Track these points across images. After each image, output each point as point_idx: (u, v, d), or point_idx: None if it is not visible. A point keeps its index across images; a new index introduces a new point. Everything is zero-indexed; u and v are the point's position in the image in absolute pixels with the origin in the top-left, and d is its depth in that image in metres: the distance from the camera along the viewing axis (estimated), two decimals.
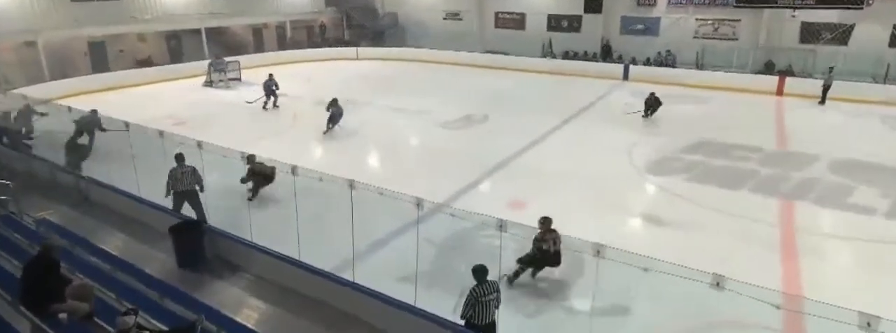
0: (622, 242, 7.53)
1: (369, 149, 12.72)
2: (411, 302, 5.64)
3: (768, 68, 19.59)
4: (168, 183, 7.51)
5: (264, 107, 15.64)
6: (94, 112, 10.90)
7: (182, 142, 8.59)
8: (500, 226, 5.40)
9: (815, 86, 17.33)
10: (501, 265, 5.86)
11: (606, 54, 22.91)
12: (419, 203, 5.87)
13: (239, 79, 20.10)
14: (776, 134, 13.50)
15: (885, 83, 17.37)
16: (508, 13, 25.53)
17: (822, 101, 16.55)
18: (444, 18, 27.01)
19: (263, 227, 7.27)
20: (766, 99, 17.43)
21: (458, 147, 12.25)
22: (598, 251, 4.81)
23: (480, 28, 26.28)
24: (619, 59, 22.17)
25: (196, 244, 6.45)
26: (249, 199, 8.77)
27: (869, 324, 3.75)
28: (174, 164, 7.66)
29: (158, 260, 6.46)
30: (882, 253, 7.44)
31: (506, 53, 23.88)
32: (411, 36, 27.55)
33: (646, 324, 5.84)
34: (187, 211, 7.51)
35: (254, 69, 21.61)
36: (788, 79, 18.12)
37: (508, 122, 14.31)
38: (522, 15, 25.15)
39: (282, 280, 6.15)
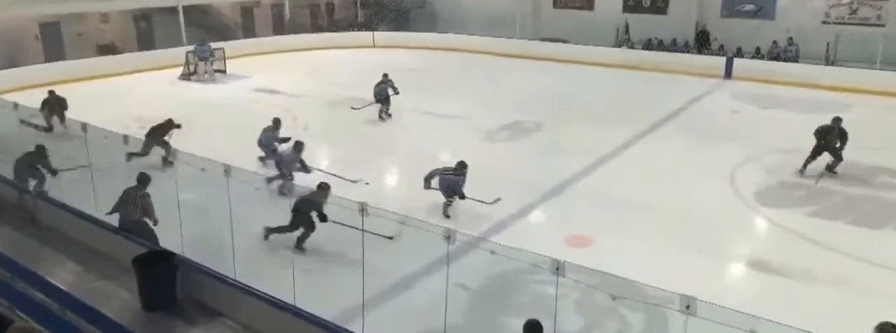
0: (720, 295, 7.52)
1: (389, 164, 12.97)
2: None
3: None
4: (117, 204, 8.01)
5: (381, 117, 15.65)
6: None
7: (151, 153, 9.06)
8: (557, 269, 5.46)
9: None
10: (556, 320, 5.88)
11: (703, 43, 22.81)
12: (450, 235, 6.00)
13: (223, 71, 20.92)
14: None
15: None
16: None
17: None
18: None
19: (251, 262, 7.51)
20: None
21: (503, 164, 12.36)
22: (688, 305, 4.82)
23: (535, 8, 26.64)
24: (720, 50, 22.04)
25: (166, 281, 6.70)
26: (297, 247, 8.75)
27: None
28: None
29: (119, 300, 6.73)
30: None
31: (566, 41, 24.09)
32: (443, 18, 28.11)
33: None
34: None
35: (242, 59, 22.48)
36: None
37: (568, 133, 14.37)
38: None
39: (271, 331, 6.32)
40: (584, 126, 14.77)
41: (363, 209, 6.24)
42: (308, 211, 8.35)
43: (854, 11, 20.73)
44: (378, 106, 15.55)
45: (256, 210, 9.00)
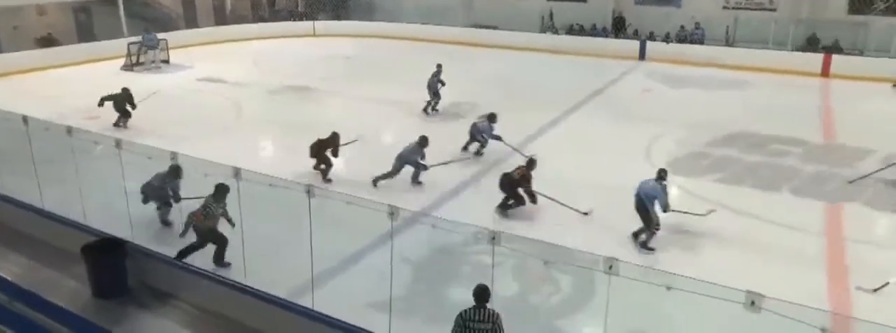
0: (640, 256, 7.82)
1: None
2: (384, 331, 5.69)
3: (811, 44, 20.12)
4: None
5: (431, 108, 14.66)
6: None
7: (97, 141, 8.52)
8: (493, 239, 5.47)
9: (868, 64, 17.88)
10: (494, 286, 5.92)
11: (619, 29, 23.25)
12: (393, 212, 5.93)
13: (167, 61, 19.98)
14: (822, 123, 13.91)
15: None
16: None
17: None
18: None
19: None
20: (809, 81, 17.92)
21: (443, 143, 12.31)
22: (611, 266, 4.91)
23: None
24: (635, 35, 22.54)
25: (116, 268, 6.38)
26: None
27: None
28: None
29: (68, 289, 6.38)
30: None
31: (497, 28, 24.11)
32: (381, 8, 27.60)
33: None
34: None
35: (185, 49, 21.47)
36: (835, 58, 18.66)
37: (501, 113, 14.38)
38: None
39: (225, 311, 6.13)
40: (515, 106, 14.85)
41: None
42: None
43: None
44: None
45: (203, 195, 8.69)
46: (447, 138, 12.58)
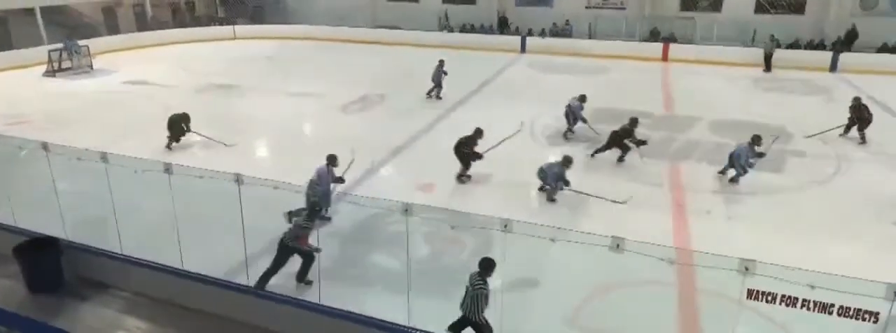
0: (531, 216, 8.05)
1: (260, 139, 12.10)
2: (316, 301, 5.54)
3: (654, 36, 21.39)
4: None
5: (434, 95, 14.40)
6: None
7: (21, 147, 7.57)
8: (406, 210, 5.40)
9: (697, 51, 19.30)
10: (409, 251, 5.91)
11: (503, 26, 23.59)
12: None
13: (90, 67, 18.06)
14: (663, 98, 14.85)
15: (752, 47, 19.72)
16: None
17: (768, 69, 17.93)
18: None
19: (136, 237, 6.68)
20: (652, 65, 19.04)
21: (358, 131, 12.06)
22: (506, 225, 4.99)
23: (372, 1, 25.78)
24: (516, 31, 22.94)
25: (50, 265, 5.77)
26: None
27: (747, 269, 4.29)
28: None
29: (2, 288, 5.72)
30: (756, 203, 8.55)
31: (400, 28, 23.72)
32: (295, 11, 26.38)
33: (553, 292, 6.24)
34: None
35: (108, 55, 19.55)
36: (672, 46, 19.96)
37: (408, 101, 14.30)
38: None
39: (164, 295, 5.73)
40: (419, 95, 14.77)
41: (238, 180, 5.71)
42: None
43: None
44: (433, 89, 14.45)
45: (138, 192, 7.99)
46: (365, 128, 12.33)
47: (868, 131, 11.10)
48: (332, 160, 7.87)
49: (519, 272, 6.36)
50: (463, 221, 7.67)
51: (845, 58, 17.91)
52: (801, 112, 13.43)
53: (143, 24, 23.82)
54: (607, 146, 10.09)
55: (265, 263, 6.79)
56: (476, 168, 9.50)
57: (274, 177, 6.28)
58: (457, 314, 5.30)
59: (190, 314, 5.54)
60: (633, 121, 10.10)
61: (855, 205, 8.39)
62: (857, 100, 11.34)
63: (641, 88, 15.86)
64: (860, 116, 11.09)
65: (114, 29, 22.81)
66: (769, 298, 4.28)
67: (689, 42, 20.68)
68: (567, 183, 8.47)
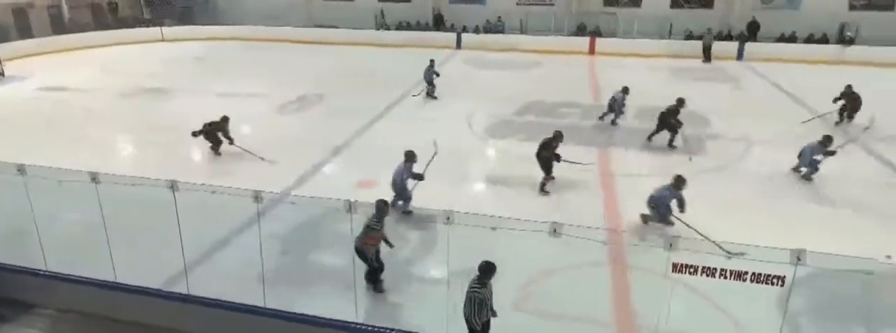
0: (474, 206, 8.09)
1: (195, 144, 11.51)
2: (260, 304, 5.36)
3: (581, 30, 22.08)
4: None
5: (424, 94, 14.00)
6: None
7: None
8: (349, 209, 5.31)
9: (620, 44, 20.10)
10: (353, 248, 5.83)
11: (439, 24, 23.60)
12: (257, 195, 5.51)
13: (1, 74, 16.53)
14: (592, 90, 15.37)
15: (670, 39, 20.78)
16: None
17: (707, 60, 18.82)
18: None
19: (63, 252, 6.21)
20: (580, 58, 19.68)
21: (297, 131, 11.75)
22: (448, 217, 5.01)
23: (306, 0, 25.09)
24: (451, 28, 23.03)
25: None
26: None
27: (671, 245, 4.53)
28: None
29: None
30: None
31: (336, 27, 23.25)
32: (225, 12, 25.25)
33: (497, 280, 6.32)
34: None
35: (20, 60, 17.99)
36: (598, 40, 20.69)
37: (347, 100, 14.06)
38: None
39: (96, 309, 5.36)
40: (358, 93, 14.56)
41: (173, 187, 5.40)
42: None
43: None
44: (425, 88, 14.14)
45: (62, 204, 7.43)
46: (304, 128, 12.01)
47: (779, 114, 11.94)
48: (410, 157, 7.65)
49: (464, 262, 6.41)
50: (406, 216, 7.68)
51: (750, 47, 19.23)
52: (715, 97, 14.31)
53: (59, 26, 22.00)
54: (658, 129, 10.47)
55: (205, 270, 6.51)
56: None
57: (210, 182, 6.02)
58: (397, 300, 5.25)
59: (124, 326, 5.22)
60: (680, 102, 10.55)
61: (763, 182, 9.03)
62: (849, 87, 11.70)
63: (571, 80, 16.36)
64: (853, 103, 11.53)
65: (26, 32, 20.94)
66: (691, 270, 4.56)
67: (613, 36, 21.51)
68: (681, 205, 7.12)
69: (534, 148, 10.45)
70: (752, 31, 20.23)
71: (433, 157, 7.82)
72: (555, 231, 5.04)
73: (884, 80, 15.98)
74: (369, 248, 5.84)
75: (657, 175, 9.30)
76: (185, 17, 24.83)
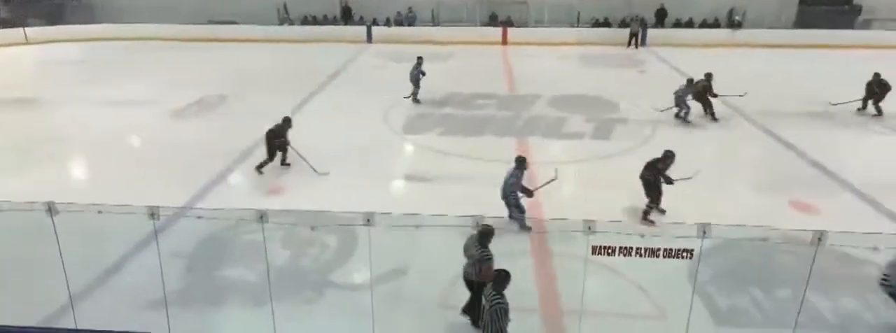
0: (394, 205, 8.00)
1: (77, 159, 10.48)
2: (164, 330, 4.98)
3: (493, 20, 22.56)
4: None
5: (416, 100, 12.99)
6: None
7: None
8: (261, 218, 5.04)
9: (532, 33, 20.80)
10: (267, 260, 5.56)
11: (347, 17, 23.13)
12: (154, 212, 5.09)
13: None
14: (506, 80, 15.78)
15: (578, 27, 21.77)
16: None
17: (637, 46, 19.97)
18: None
19: None
20: (494, 49, 20.15)
21: (197, 137, 11.03)
22: (368, 220, 4.90)
23: None
24: (361, 21, 22.66)
25: None
26: None
27: (589, 228, 4.70)
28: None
29: None
30: (594, 168, 9.49)
31: (235, 22, 22.11)
32: (103, 9, 23.20)
33: (422, 278, 6.32)
34: None
35: None
36: (510, 30, 21.25)
37: (251, 101, 13.43)
38: None
39: None
40: (263, 93, 13.96)
41: (51, 209, 4.84)
42: None
43: None
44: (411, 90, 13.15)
45: None
46: (204, 134, 11.30)
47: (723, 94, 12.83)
48: (521, 163, 6.98)
49: (387, 263, 6.35)
50: (322, 220, 7.44)
51: (653, 33, 20.60)
52: (622, 82, 15.20)
53: None
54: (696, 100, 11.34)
55: (95, 301, 5.96)
56: (331, 161, 9.24)
57: (98, 201, 5.48)
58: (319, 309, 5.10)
59: None
60: (709, 76, 11.14)
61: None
62: (877, 75, 11.83)
63: (486, 71, 16.69)
64: (881, 90, 11.69)
65: None
66: (609, 251, 4.79)
67: (525, 25, 22.17)
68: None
69: (452, 142, 10.62)
70: (660, 18, 21.68)
71: (549, 182, 7.22)
72: (478, 224, 5.11)
73: (765, 61, 17.75)
74: (486, 279, 5.07)
75: (573, 161, 9.77)
76: (55, 16, 22.48)
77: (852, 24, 21.10)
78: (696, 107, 11.68)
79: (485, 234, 5.07)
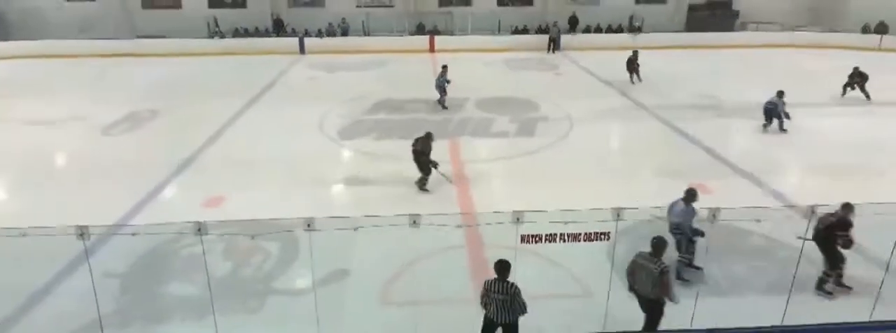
0: (334, 210, 7.85)
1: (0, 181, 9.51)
2: None
3: (420, 29, 22.57)
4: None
5: (444, 106, 12.92)
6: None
7: None
8: (199, 230, 4.76)
9: (458, 41, 21.01)
10: (207, 272, 5.26)
11: (279, 29, 22.38)
12: (83, 232, 4.69)
13: None
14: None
15: (499, 34, 22.21)
16: None
17: (554, 50, 20.50)
18: (69, 0, 21.66)
19: None
20: (422, 56, 20.16)
21: (128, 153, 10.29)
22: (309, 224, 4.75)
23: (124, 10, 22.07)
24: (293, 33, 22.00)
25: None
26: None
27: (518, 219, 4.79)
28: None
29: None
30: (519, 164, 9.71)
31: (164, 37, 20.83)
32: (20, 27, 21.18)
33: (363, 278, 6.22)
34: None
35: None
36: (437, 38, 21.35)
37: (184, 114, 12.71)
38: None
39: None
40: (196, 106, 13.24)
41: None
42: None
43: None
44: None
45: None
46: (137, 149, 10.54)
47: (591, 95, 13.39)
48: (691, 196, 5.97)
49: (329, 265, 6.20)
50: (262, 228, 7.14)
51: (566, 39, 21.39)
52: (540, 84, 15.67)
53: None
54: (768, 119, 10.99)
55: (24, 327, 5.41)
56: (269, 170, 8.91)
57: (23, 224, 4.98)
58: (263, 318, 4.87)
59: None
60: (780, 93, 10.74)
61: (585, 153, 10.11)
62: (856, 69, 13.21)
63: (416, 78, 16.63)
64: (861, 80, 13.02)
65: None
66: (537, 239, 4.92)
67: (451, 34, 22.35)
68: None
69: (387, 145, 10.51)
70: (572, 25, 22.57)
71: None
72: (414, 222, 5.07)
73: (662, 60, 18.90)
74: (666, 294, 4.84)
75: (501, 158, 9.95)
76: None
77: (732, 26, 22.88)
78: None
79: (659, 247, 4.86)
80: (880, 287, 5.31)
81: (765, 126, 11.04)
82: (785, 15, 22.54)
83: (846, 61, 14.26)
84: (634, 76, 15.21)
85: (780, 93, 10.77)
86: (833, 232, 5.55)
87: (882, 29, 20.38)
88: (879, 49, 19.56)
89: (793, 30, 21.74)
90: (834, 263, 5.69)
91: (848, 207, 5.54)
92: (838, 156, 9.62)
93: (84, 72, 17.69)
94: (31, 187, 8.83)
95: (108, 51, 19.60)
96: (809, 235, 5.55)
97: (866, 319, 5.08)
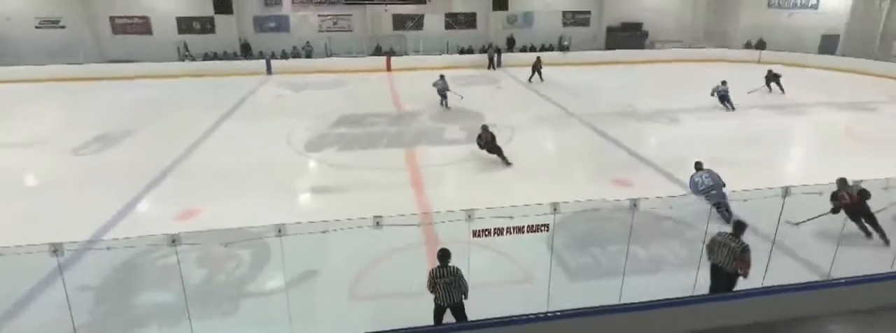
0: (302, 217, 7.59)
1: None
2: None
3: (377, 51, 22.43)
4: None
5: (447, 106, 13.76)
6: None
7: None
8: (173, 241, 4.49)
9: (410, 60, 20.99)
10: (183, 280, 4.96)
11: (247, 52, 21.66)
12: (56, 249, 4.33)
13: None
14: (393, 100, 15.73)
15: (447, 54, 22.38)
16: (128, 17, 20.94)
17: (494, 67, 20.74)
18: (39, 27, 20.15)
19: None
20: (380, 75, 20.04)
21: (100, 172, 9.60)
22: (280, 230, 4.58)
23: (94, 36, 20.74)
24: (260, 55, 21.34)
25: None
26: None
27: (470, 216, 4.79)
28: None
29: None
30: (469, 167, 9.75)
31: (135, 61, 19.70)
32: None
33: (332, 279, 6.06)
34: None
35: None
36: (393, 58, 21.26)
37: (156, 133, 12.02)
38: (146, 18, 21.08)
39: None
40: (168, 125, 12.56)
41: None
42: None
43: (335, 23, 22.57)
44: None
45: None
46: (109, 168, 9.84)
47: (529, 105, 13.56)
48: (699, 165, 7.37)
49: (299, 267, 5.99)
50: (234, 236, 6.83)
51: (506, 57, 21.82)
52: (485, 97, 15.85)
53: None
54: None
55: None
56: (239, 181, 8.54)
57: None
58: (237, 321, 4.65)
59: None
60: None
61: (526, 156, 10.26)
62: (770, 70, 15.02)
63: (375, 94, 16.53)
64: (775, 79, 14.74)
65: None
66: (486, 233, 4.94)
67: (405, 54, 22.32)
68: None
69: (350, 156, 10.34)
70: (510, 45, 23.05)
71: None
72: (378, 224, 4.98)
73: (587, 75, 19.59)
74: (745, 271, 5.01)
75: (453, 163, 9.98)
76: None
77: (642, 44, 24.06)
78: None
79: (740, 228, 5.06)
80: (768, 259, 5.65)
81: (727, 109, 12.96)
82: (684, 35, 24.10)
83: (734, 72, 15.31)
84: (536, 75, 17.19)
85: (724, 82, 12.78)
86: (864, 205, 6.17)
87: (761, 45, 22.29)
88: (759, 62, 21.28)
89: (691, 47, 23.22)
90: (879, 229, 6.36)
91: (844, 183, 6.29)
92: (727, 150, 10.24)
93: (53, 95, 16.45)
94: (1, 206, 8.08)
95: (78, 75, 18.32)
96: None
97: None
